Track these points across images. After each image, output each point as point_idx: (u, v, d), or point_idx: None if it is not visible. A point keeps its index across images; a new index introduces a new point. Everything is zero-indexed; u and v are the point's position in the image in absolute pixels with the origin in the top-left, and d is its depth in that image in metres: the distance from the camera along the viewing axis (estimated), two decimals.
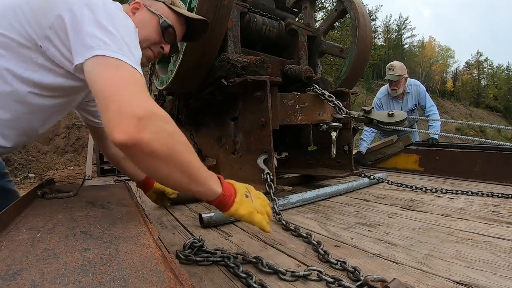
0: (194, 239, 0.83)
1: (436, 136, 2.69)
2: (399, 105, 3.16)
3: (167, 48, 1.00)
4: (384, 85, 3.40)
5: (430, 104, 3.08)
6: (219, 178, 0.73)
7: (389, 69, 3.04)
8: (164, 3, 0.96)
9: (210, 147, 1.90)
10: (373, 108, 1.62)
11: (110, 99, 0.59)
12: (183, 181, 0.66)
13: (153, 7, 0.94)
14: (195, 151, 0.68)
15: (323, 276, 0.66)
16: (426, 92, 3.14)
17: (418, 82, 3.20)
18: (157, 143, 0.58)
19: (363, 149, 2.97)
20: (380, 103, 3.28)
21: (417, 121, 3.36)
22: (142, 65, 0.97)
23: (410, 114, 3.06)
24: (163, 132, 0.60)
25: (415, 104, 3.12)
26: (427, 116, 3.12)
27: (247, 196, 0.76)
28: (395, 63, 3.10)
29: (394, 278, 0.58)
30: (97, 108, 1.11)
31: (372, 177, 1.88)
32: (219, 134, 1.78)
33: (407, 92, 3.11)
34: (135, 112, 0.57)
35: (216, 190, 0.71)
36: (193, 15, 1.04)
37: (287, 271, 0.69)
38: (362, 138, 3.11)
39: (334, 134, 1.58)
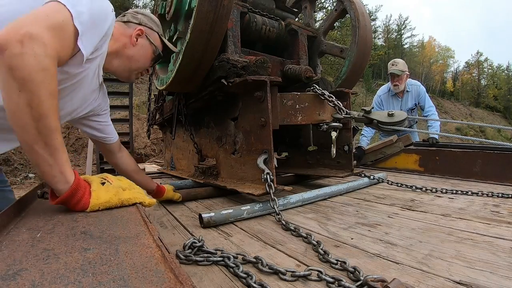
0: (194, 239, 0.83)
1: (436, 136, 2.70)
2: (399, 103, 3.20)
3: (150, 69, 1.18)
4: (384, 84, 3.44)
5: (429, 105, 3.12)
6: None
7: (392, 65, 3.13)
8: (157, 33, 1.15)
9: (210, 147, 1.90)
10: (373, 108, 1.62)
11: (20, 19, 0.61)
12: (30, 131, 0.58)
13: (151, 36, 1.11)
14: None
15: (323, 276, 0.66)
16: (426, 93, 3.18)
17: (419, 83, 3.24)
18: (20, 57, 0.57)
19: (364, 144, 2.99)
20: (381, 100, 3.32)
21: (416, 121, 3.38)
22: (130, 80, 1.14)
23: (410, 113, 3.09)
24: (31, 53, 0.58)
25: (415, 104, 3.15)
26: (426, 117, 3.16)
27: (103, 183, 0.71)
28: (398, 59, 3.21)
29: (394, 278, 0.58)
30: (103, 122, 1.17)
31: (372, 177, 1.89)
32: (219, 134, 1.78)
33: (407, 91, 3.15)
34: (23, 29, 0.58)
35: (69, 176, 0.62)
36: (172, 47, 1.23)
37: (287, 271, 0.69)
38: (362, 134, 3.14)
39: (334, 134, 1.58)
